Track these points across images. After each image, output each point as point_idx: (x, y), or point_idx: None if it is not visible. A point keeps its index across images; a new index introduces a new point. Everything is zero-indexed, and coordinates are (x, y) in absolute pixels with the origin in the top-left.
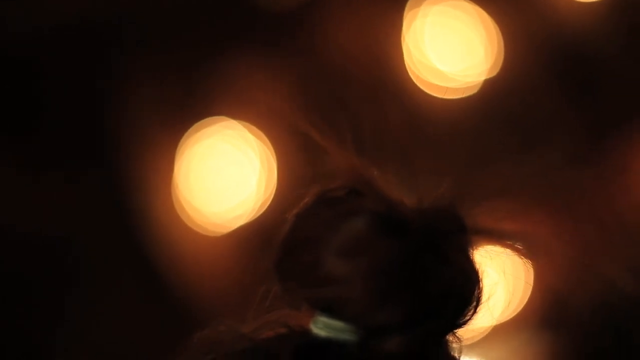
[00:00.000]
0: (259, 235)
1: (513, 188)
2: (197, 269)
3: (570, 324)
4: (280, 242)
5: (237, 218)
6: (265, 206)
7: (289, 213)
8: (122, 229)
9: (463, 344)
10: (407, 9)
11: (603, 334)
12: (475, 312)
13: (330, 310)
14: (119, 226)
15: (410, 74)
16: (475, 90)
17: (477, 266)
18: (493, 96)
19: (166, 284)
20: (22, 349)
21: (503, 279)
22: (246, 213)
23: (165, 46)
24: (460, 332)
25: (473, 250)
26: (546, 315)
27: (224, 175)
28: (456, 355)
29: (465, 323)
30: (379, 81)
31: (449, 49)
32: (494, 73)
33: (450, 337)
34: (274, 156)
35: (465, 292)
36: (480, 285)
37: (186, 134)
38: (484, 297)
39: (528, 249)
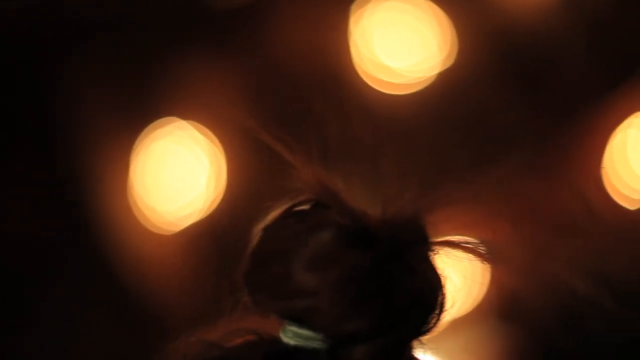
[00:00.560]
0: (208, 233)
1: (470, 193)
2: (151, 266)
3: (525, 320)
4: (249, 255)
5: (188, 217)
6: (215, 205)
7: (257, 226)
8: (76, 229)
9: (426, 348)
10: (355, 5)
11: (556, 331)
12: (438, 319)
13: (299, 319)
14: (73, 226)
15: (358, 70)
16: (426, 86)
17: (440, 274)
18: (445, 92)
19: (120, 282)
20: None
21: (463, 281)
22: (196, 212)
23: (116, 47)
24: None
25: (435, 258)
26: (501, 311)
27: (175, 176)
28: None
29: (429, 330)
30: (328, 79)
31: (398, 45)
32: (445, 68)
33: (414, 343)
34: (224, 156)
35: (429, 300)
36: (444, 293)
37: (138, 136)
38: (447, 304)
39: (487, 254)
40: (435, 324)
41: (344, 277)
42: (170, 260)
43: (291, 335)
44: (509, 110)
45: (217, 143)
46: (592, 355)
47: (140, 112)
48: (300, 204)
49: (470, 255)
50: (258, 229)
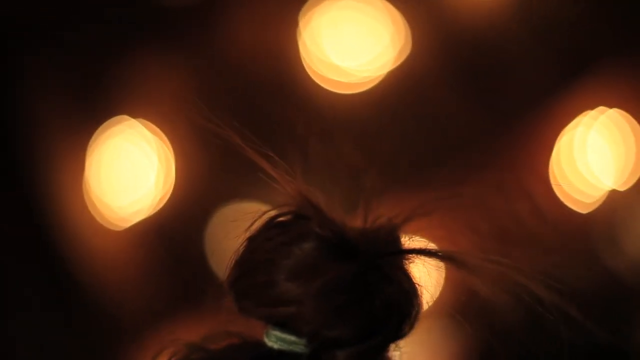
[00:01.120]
0: (157, 229)
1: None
2: (104, 261)
3: (481, 320)
4: (235, 264)
5: (137, 213)
6: (164, 201)
7: (242, 235)
8: (32, 228)
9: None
10: (307, 5)
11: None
12: (414, 323)
13: (283, 325)
14: (29, 225)
15: (307, 70)
16: (376, 85)
17: (415, 282)
18: (395, 91)
19: (74, 276)
20: None
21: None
22: (145, 208)
23: (69, 47)
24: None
25: (410, 266)
26: (456, 311)
27: (126, 173)
28: None
29: (406, 334)
30: (277, 78)
31: (350, 44)
32: (396, 66)
33: (391, 346)
34: (172, 153)
35: (405, 307)
36: (419, 300)
37: (90, 135)
38: (421, 310)
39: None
40: (411, 328)
41: (325, 287)
42: (121, 255)
43: (275, 339)
44: (459, 110)
45: (166, 141)
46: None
47: (92, 111)
48: (282, 215)
49: (442, 262)
50: (243, 239)
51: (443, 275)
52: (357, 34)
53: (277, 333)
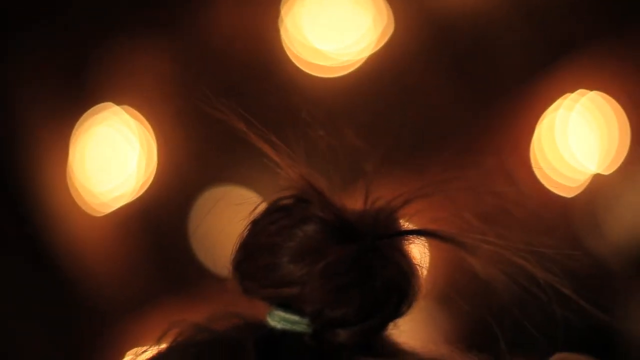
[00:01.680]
0: (139, 214)
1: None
2: (86, 246)
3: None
4: (239, 246)
5: (120, 198)
6: (146, 186)
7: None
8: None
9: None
10: None
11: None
12: (413, 302)
13: (286, 305)
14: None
15: (289, 54)
16: (358, 68)
17: (414, 262)
18: (377, 74)
19: (58, 263)
20: None
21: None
22: (128, 193)
23: (52, 32)
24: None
25: (409, 247)
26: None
27: (109, 159)
28: (394, 339)
29: (405, 312)
30: (259, 63)
31: (331, 28)
32: (378, 49)
33: (390, 325)
34: (154, 139)
35: (404, 287)
36: (417, 279)
37: (75, 122)
38: (420, 290)
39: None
40: (409, 307)
41: (327, 268)
42: (103, 240)
43: (278, 319)
44: (441, 93)
45: (149, 127)
46: (533, 340)
47: (75, 98)
48: (284, 198)
49: (440, 243)
50: (247, 222)
51: (441, 255)
52: (338, 17)
53: (281, 313)
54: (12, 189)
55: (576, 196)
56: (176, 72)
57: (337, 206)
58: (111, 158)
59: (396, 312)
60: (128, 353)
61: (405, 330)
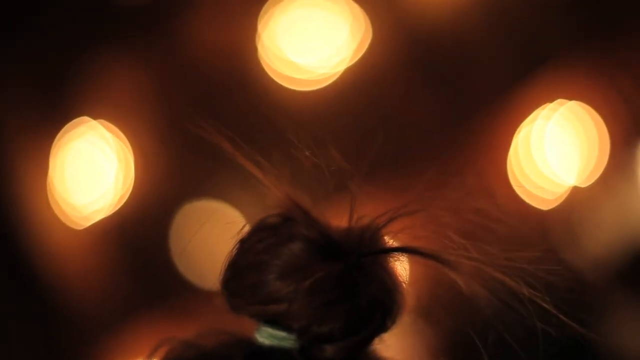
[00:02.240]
0: (117, 227)
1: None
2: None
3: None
4: (227, 265)
5: (98, 211)
6: (124, 199)
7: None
8: None
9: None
10: (268, 3)
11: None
12: (397, 318)
13: (273, 322)
14: None
15: (265, 67)
16: (335, 80)
17: (398, 278)
18: (355, 87)
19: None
20: None
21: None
22: (106, 207)
23: (28, 46)
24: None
25: (393, 264)
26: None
27: (87, 173)
28: (379, 354)
29: (390, 328)
30: (236, 77)
31: (309, 40)
32: (358, 60)
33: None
34: (132, 153)
35: (388, 303)
36: (401, 296)
37: (50, 137)
38: (404, 306)
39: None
40: (394, 323)
41: (314, 285)
42: (82, 253)
43: (266, 335)
44: (418, 105)
45: (126, 141)
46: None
47: (53, 112)
48: (271, 217)
49: (423, 260)
50: (235, 241)
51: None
52: (315, 31)
53: (269, 330)
54: None
55: (554, 208)
56: (153, 86)
57: (322, 224)
58: (89, 172)
59: (381, 328)
60: None
61: (391, 345)
